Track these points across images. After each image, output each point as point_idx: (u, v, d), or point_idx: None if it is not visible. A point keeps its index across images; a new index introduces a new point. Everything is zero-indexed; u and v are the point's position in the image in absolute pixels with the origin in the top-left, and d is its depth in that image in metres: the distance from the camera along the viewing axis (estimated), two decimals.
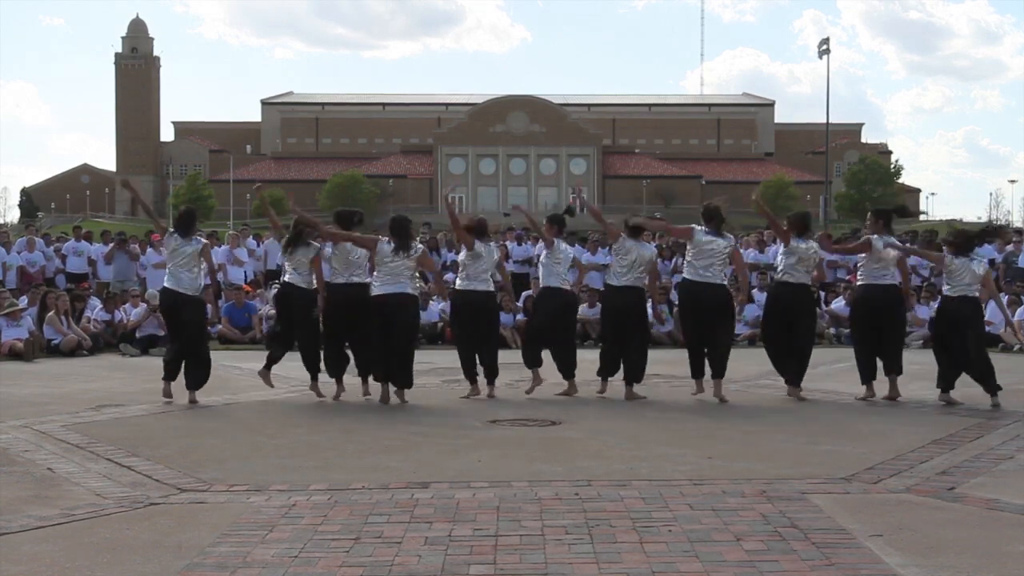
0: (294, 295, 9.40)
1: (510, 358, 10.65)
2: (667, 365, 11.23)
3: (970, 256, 9.22)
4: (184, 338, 9.27)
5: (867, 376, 9.42)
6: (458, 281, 9.73)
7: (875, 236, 9.44)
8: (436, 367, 11.66)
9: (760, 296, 16.55)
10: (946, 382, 9.11)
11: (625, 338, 9.48)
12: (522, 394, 9.68)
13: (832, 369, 11.56)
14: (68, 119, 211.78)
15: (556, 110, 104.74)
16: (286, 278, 9.59)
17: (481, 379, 9.60)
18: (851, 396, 9.50)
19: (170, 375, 9.32)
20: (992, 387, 8.87)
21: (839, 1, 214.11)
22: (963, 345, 8.97)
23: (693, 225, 9.55)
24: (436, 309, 15.84)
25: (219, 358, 10.77)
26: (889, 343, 9.39)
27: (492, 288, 9.77)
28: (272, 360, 9.57)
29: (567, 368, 9.71)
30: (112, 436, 7.35)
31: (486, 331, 9.67)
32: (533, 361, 9.75)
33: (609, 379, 9.67)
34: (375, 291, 9.15)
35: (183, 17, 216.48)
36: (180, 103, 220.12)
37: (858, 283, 9.75)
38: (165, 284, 9.42)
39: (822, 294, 15.84)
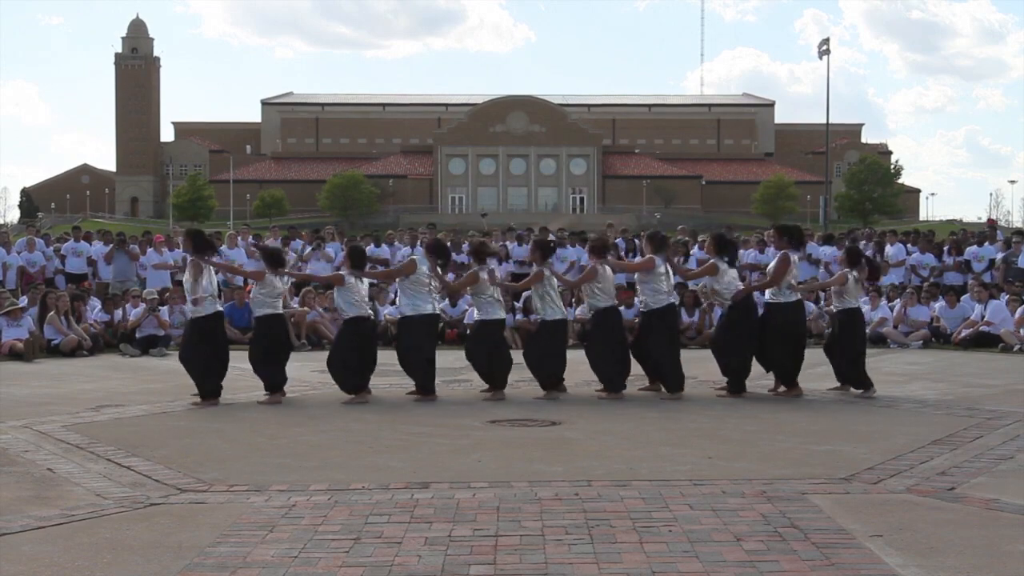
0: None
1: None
2: None
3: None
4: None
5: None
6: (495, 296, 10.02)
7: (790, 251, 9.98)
8: (437, 368, 11.61)
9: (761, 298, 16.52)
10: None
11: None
12: (522, 394, 9.73)
13: (831, 369, 11.53)
14: (68, 119, 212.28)
15: (556, 110, 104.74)
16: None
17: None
18: (852, 396, 9.69)
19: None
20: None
21: (841, 0, 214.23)
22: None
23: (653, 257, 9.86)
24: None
25: None
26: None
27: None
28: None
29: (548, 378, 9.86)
30: (112, 436, 7.35)
31: None
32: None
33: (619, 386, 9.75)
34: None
35: (183, 17, 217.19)
36: (180, 103, 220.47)
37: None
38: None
39: (822, 294, 15.78)
